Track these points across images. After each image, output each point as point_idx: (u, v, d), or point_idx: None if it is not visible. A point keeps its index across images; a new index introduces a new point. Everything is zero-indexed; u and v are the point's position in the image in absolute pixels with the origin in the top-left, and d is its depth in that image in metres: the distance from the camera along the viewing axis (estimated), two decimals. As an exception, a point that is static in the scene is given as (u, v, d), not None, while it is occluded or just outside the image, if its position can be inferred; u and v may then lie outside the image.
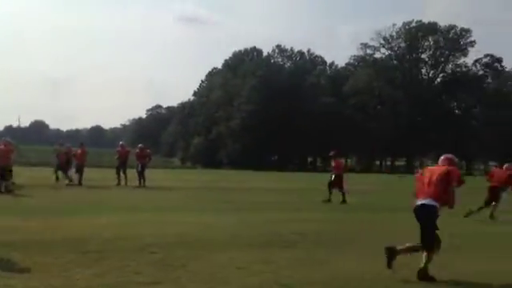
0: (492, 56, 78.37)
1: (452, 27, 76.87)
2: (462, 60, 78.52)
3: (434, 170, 6.53)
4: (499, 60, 78.14)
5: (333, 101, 72.67)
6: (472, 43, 76.46)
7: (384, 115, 74.87)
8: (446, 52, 77.62)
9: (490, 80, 78.64)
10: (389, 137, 70.79)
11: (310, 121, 66.63)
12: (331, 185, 17.40)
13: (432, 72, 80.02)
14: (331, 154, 19.20)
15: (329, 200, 16.94)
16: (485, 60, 78.52)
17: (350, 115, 71.97)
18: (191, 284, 5.89)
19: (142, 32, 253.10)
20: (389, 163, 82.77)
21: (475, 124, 78.30)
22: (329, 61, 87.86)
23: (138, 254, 7.43)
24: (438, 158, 6.99)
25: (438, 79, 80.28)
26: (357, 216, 13.68)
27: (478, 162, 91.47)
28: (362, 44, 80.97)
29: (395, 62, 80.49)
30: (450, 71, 79.33)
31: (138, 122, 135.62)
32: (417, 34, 77.35)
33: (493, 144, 75.80)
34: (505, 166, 14.64)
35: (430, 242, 6.14)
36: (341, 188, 17.33)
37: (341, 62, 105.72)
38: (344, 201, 16.93)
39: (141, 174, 22.11)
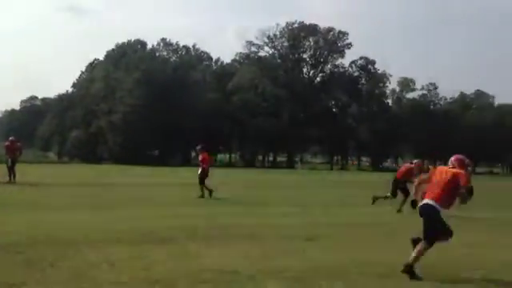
0: (366, 58, 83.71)
1: (331, 29, 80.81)
2: (339, 61, 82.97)
3: (443, 171, 6.70)
4: (372, 62, 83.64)
5: (218, 97, 73.25)
6: (349, 45, 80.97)
7: (267, 112, 76.87)
8: (325, 53, 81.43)
9: (364, 81, 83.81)
10: (271, 133, 72.84)
11: (194, 116, 66.52)
12: (200, 179, 17.15)
13: (312, 71, 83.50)
14: (198, 147, 18.70)
15: (202, 196, 16.82)
16: (360, 62, 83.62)
17: (234, 111, 73.04)
18: (58, 284, 5.70)
19: (18, 20, 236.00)
20: (271, 159, 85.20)
21: (351, 122, 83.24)
22: (215, 57, 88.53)
23: (2, 253, 7.04)
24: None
25: (318, 78, 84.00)
26: (230, 210, 13.92)
27: (353, 158, 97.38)
28: (247, 42, 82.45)
29: (279, 60, 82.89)
30: (328, 71, 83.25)
31: (11, 113, 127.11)
32: (299, 34, 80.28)
33: (366, 141, 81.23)
34: (414, 161, 15.87)
35: (431, 236, 6.41)
36: (202, 183, 17.07)
37: (227, 58, 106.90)
38: (210, 194, 16.73)
39: (11, 169, 20.80)
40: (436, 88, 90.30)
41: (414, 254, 6.44)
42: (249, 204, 15.87)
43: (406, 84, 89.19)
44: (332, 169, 77.24)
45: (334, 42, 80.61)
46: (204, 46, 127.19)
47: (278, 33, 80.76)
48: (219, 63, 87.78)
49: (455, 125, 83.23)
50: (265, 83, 77.63)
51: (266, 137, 73.02)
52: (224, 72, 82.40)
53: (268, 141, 74.90)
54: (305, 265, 6.93)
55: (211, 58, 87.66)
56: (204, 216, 12.19)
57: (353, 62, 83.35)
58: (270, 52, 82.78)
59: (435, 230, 6.44)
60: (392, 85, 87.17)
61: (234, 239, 8.91)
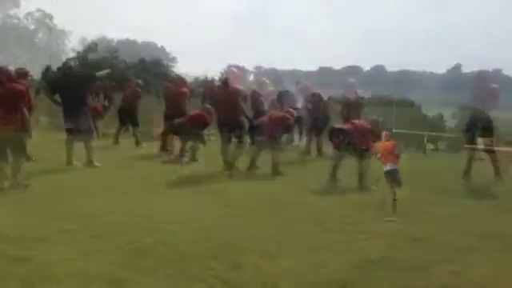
0: (43, 12, 79.29)
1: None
2: (13, 11, 76.57)
3: (388, 145, 9.63)
4: (50, 17, 79.68)
5: None
6: (24, -6, 75.24)
7: None
8: (-2, 0, 73.97)
9: (41, 35, 79.33)
10: None
11: None
12: None
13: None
14: None
15: None
16: (37, 14, 78.84)
17: None
18: None
19: None
20: None
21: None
22: None
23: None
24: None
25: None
26: None
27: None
28: None
29: None
30: (1, 21, 76.03)
31: None
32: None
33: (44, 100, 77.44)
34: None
35: (400, 184, 9.23)
36: None
37: None
38: None
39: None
40: (116, 51, 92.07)
41: (390, 197, 8.81)
42: None
43: (87, 44, 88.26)
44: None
45: (6, -12, 73.81)
46: None
47: None
48: None
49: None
50: None
51: None
52: None
53: None
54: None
55: None
56: None
57: (28, 13, 78.09)
58: None
59: (400, 180, 9.27)
60: (72, 43, 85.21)
61: None
